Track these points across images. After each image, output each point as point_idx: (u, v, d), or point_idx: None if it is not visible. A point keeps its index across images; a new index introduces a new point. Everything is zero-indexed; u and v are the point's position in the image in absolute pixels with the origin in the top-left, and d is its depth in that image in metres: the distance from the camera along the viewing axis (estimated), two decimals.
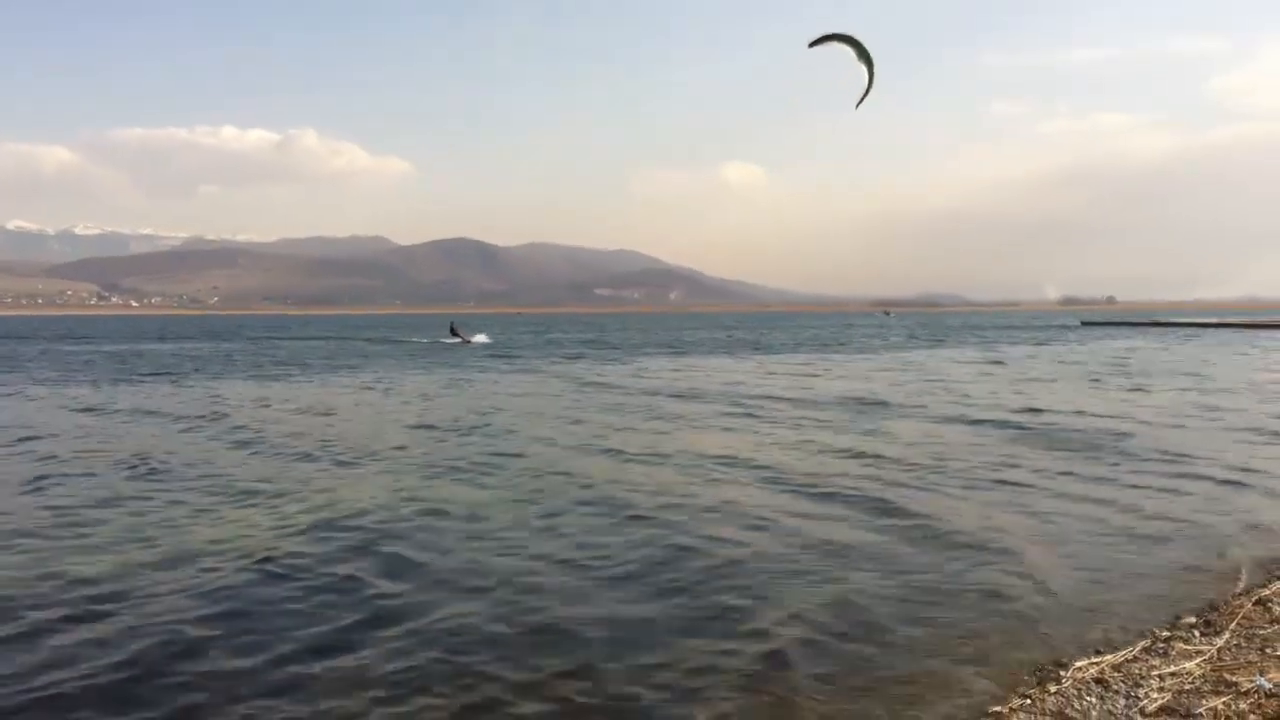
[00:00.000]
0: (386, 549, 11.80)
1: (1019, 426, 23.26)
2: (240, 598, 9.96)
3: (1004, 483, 16.15)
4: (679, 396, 31.82)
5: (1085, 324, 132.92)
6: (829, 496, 14.98)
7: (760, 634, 8.86)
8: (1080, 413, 26.02)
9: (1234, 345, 67.73)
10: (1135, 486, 15.79)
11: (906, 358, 56.81)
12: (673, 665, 8.16)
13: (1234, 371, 42.28)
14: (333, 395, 33.01)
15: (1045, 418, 24.99)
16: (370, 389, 35.58)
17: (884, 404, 28.84)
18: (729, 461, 18.35)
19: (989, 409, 27.08)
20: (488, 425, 24.22)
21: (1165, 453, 19.27)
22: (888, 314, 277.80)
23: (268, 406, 29.26)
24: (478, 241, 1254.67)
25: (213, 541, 12.14)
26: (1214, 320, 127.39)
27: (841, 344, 77.58)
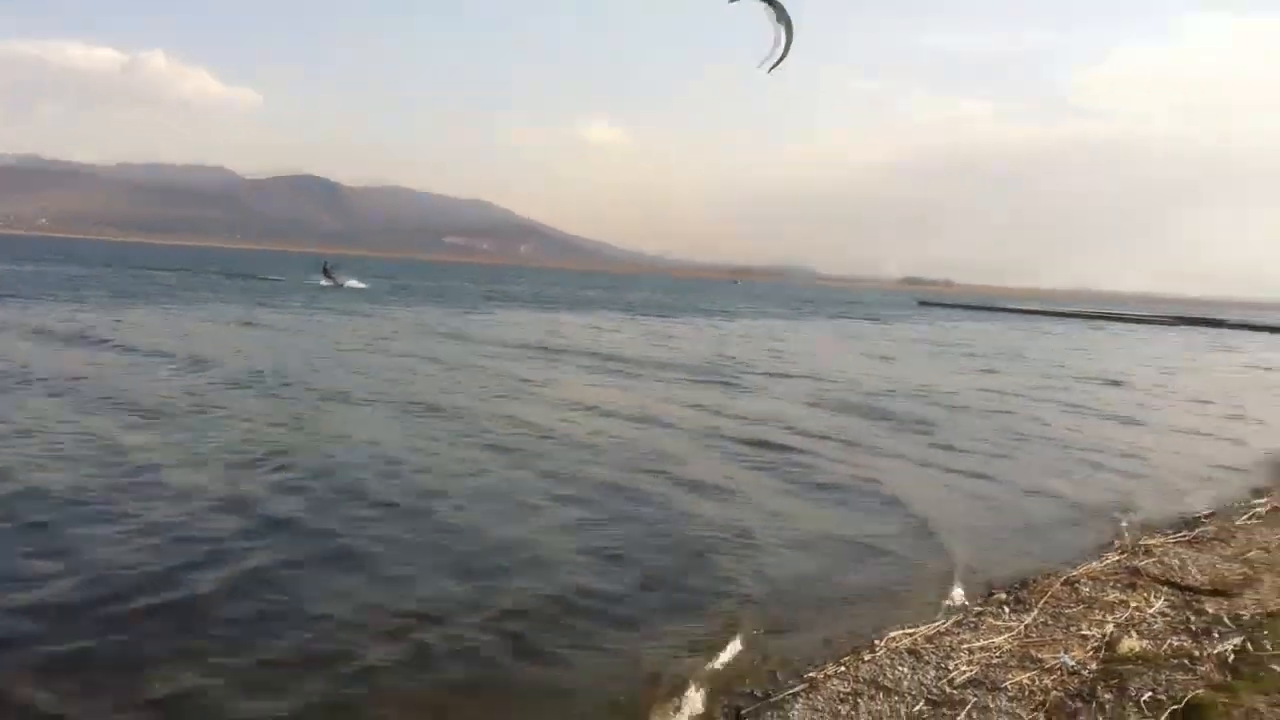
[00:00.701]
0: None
1: (856, 406, 23.73)
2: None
3: (851, 443, 16.49)
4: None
5: (922, 304, 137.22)
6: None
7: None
8: (924, 388, 26.78)
9: (1058, 332, 71.01)
10: (963, 464, 16.30)
11: (759, 325, 57.75)
12: None
13: (1049, 355, 44.30)
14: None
15: (886, 395, 25.60)
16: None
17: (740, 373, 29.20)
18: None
19: (830, 384, 27.63)
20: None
21: (999, 430, 20.07)
22: (735, 282, 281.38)
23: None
24: (325, 179, 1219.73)
25: None
26: (1039, 308, 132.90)
27: (701, 309, 78.60)
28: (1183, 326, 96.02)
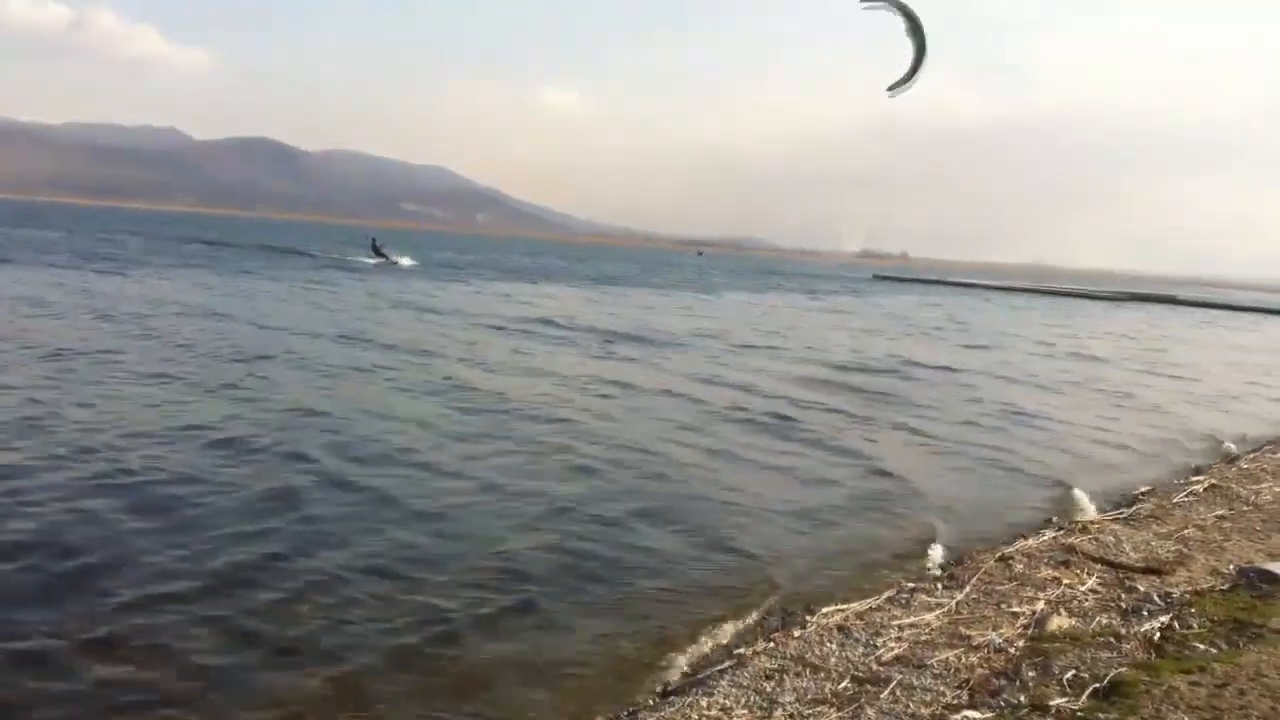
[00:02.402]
0: None
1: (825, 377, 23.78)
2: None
3: (785, 418, 16.50)
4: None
5: (877, 278, 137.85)
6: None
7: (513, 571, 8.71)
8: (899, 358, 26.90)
9: (1013, 307, 71.64)
10: (918, 432, 16.40)
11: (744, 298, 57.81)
12: None
13: (1008, 329, 44.71)
14: None
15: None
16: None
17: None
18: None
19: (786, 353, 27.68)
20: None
21: (950, 402, 20.29)
22: (700, 254, 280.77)
23: None
24: (279, 143, 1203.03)
25: None
26: (994, 283, 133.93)
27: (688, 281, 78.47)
28: (1135, 303, 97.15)
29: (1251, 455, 16.46)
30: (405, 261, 68.84)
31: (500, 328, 29.69)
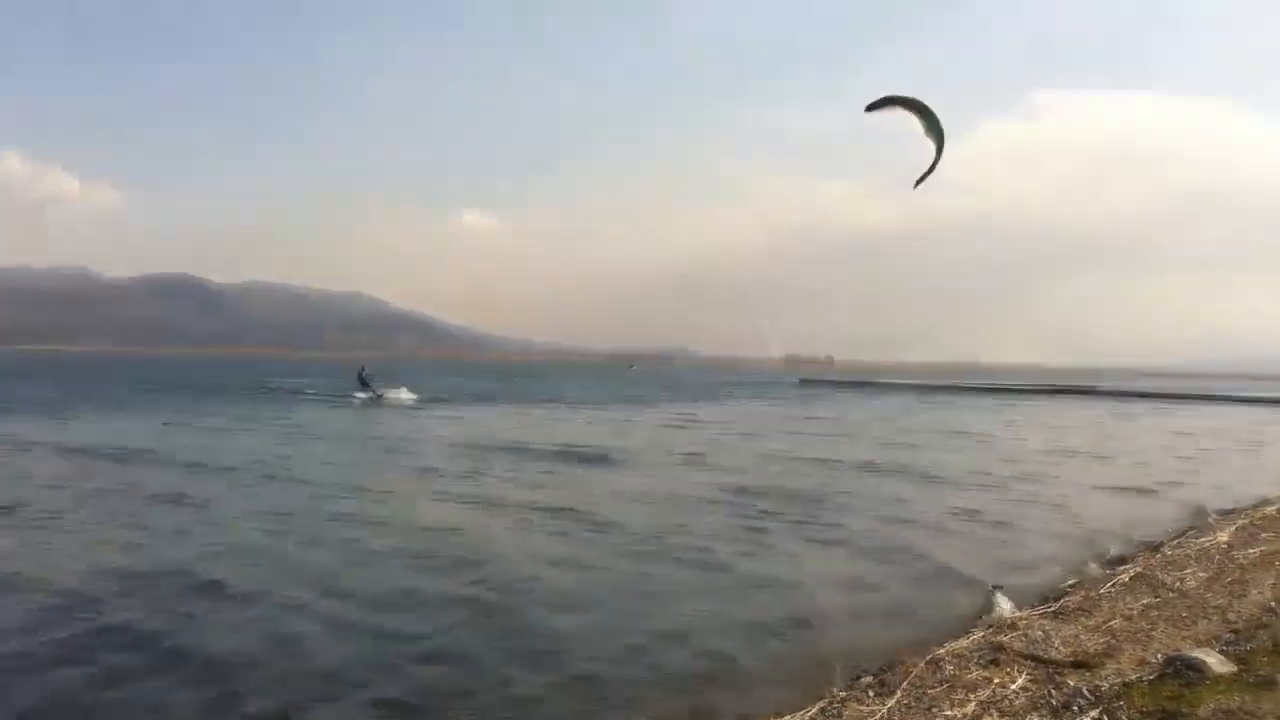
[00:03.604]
0: None
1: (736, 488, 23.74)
2: None
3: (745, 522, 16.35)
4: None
5: (802, 382, 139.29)
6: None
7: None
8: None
9: (927, 406, 72.61)
10: (843, 535, 16.34)
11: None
12: None
13: (919, 426, 45.21)
14: None
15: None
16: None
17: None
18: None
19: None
20: None
21: (878, 502, 20.34)
22: (632, 367, 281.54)
23: None
24: (194, 278, 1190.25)
25: None
26: (919, 382, 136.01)
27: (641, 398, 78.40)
28: (1058, 396, 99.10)
29: (1175, 542, 16.61)
30: (402, 395, 60.79)
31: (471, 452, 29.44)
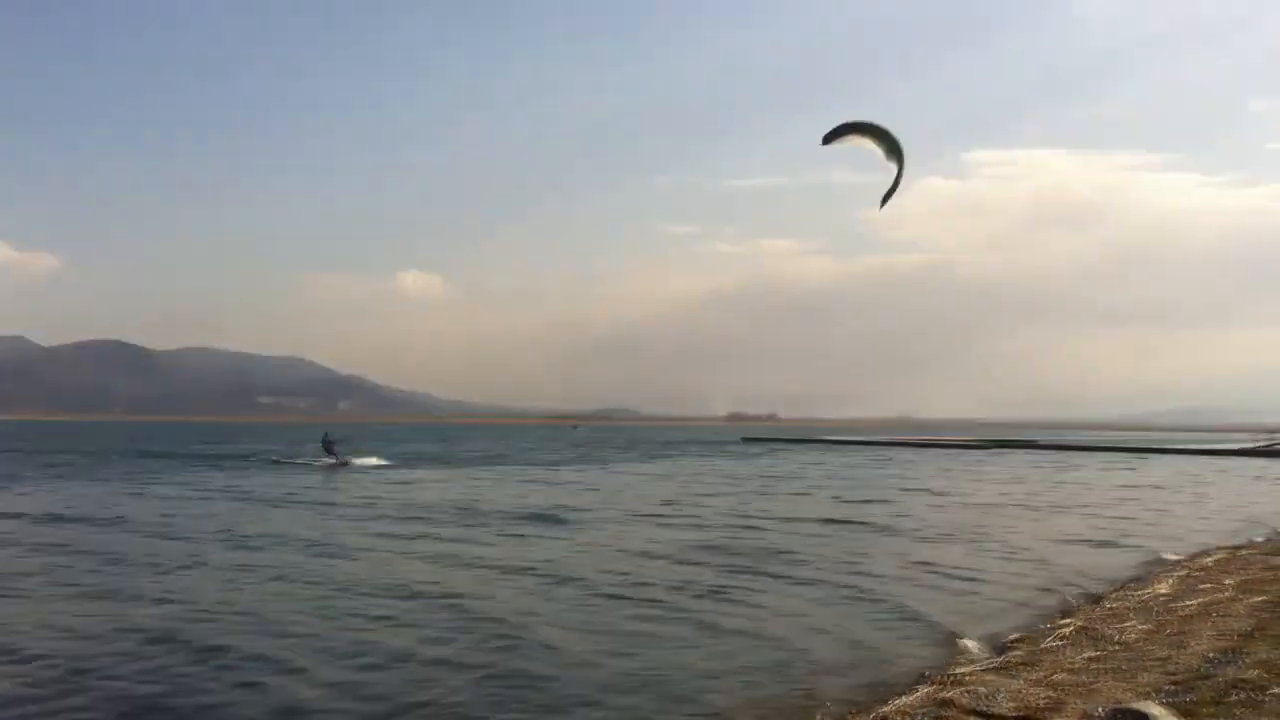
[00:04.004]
0: None
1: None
2: None
3: (673, 587, 16.25)
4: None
5: (746, 440, 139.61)
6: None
7: None
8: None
9: (870, 460, 73.09)
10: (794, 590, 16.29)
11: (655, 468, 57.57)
12: None
13: (871, 480, 45.44)
14: None
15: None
16: None
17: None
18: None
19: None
20: None
21: (831, 555, 20.36)
22: (575, 428, 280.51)
23: None
24: (129, 343, 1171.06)
25: None
26: (863, 439, 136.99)
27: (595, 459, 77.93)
28: (1000, 449, 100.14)
29: (1116, 594, 16.78)
30: (370, 460, 59.24)
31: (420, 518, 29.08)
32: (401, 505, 32.98)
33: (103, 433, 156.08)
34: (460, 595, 16.35)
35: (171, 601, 15.64)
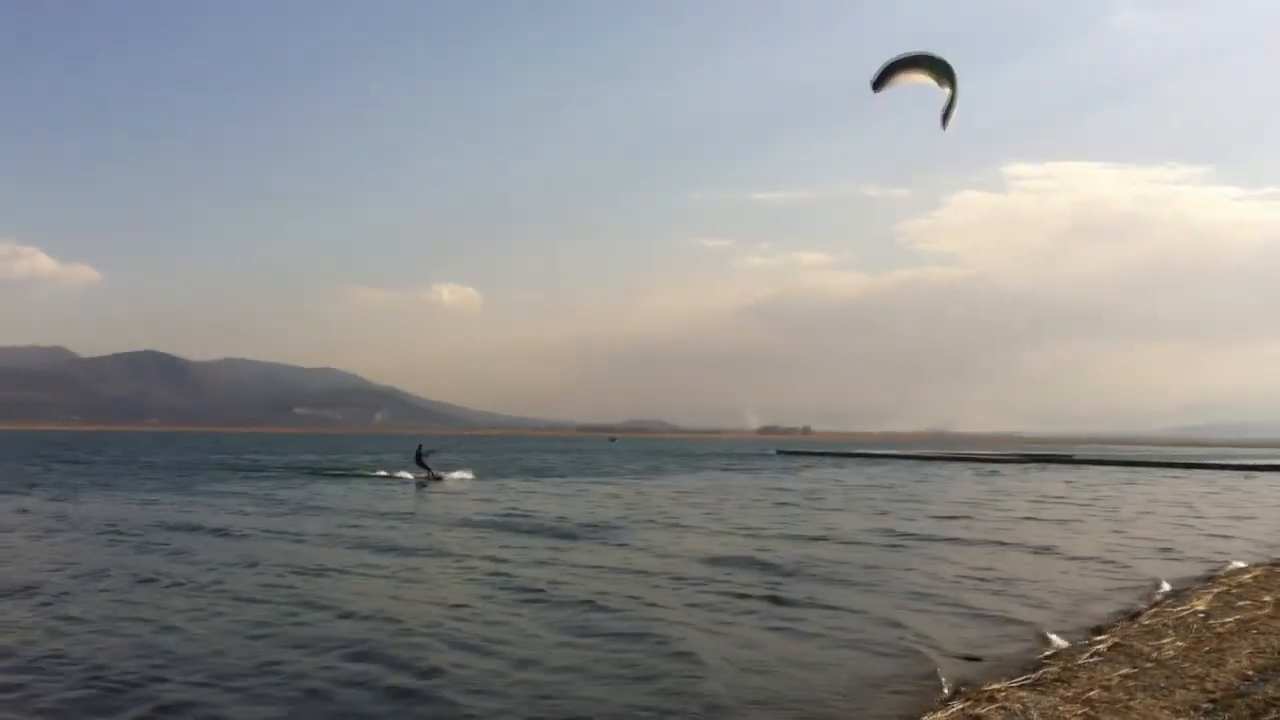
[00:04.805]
0: None
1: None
2: None
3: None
4: None
5: (781, 453, 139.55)
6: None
7: None
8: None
9: (904, 472, 72.63)
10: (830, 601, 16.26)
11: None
12: None
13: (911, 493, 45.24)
14: None
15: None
16: None
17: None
18: None
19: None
20: None
21: (857, 567, 20.67)
22: (612, 440, 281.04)
23: None
24: (167, 354, 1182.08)
25: None
26: (898, 452, 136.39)
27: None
28: (1036, 464, 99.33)
29: (1152, 610, 16.60)
30: (463, 475, 56.02)
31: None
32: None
33: (163, 444, 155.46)
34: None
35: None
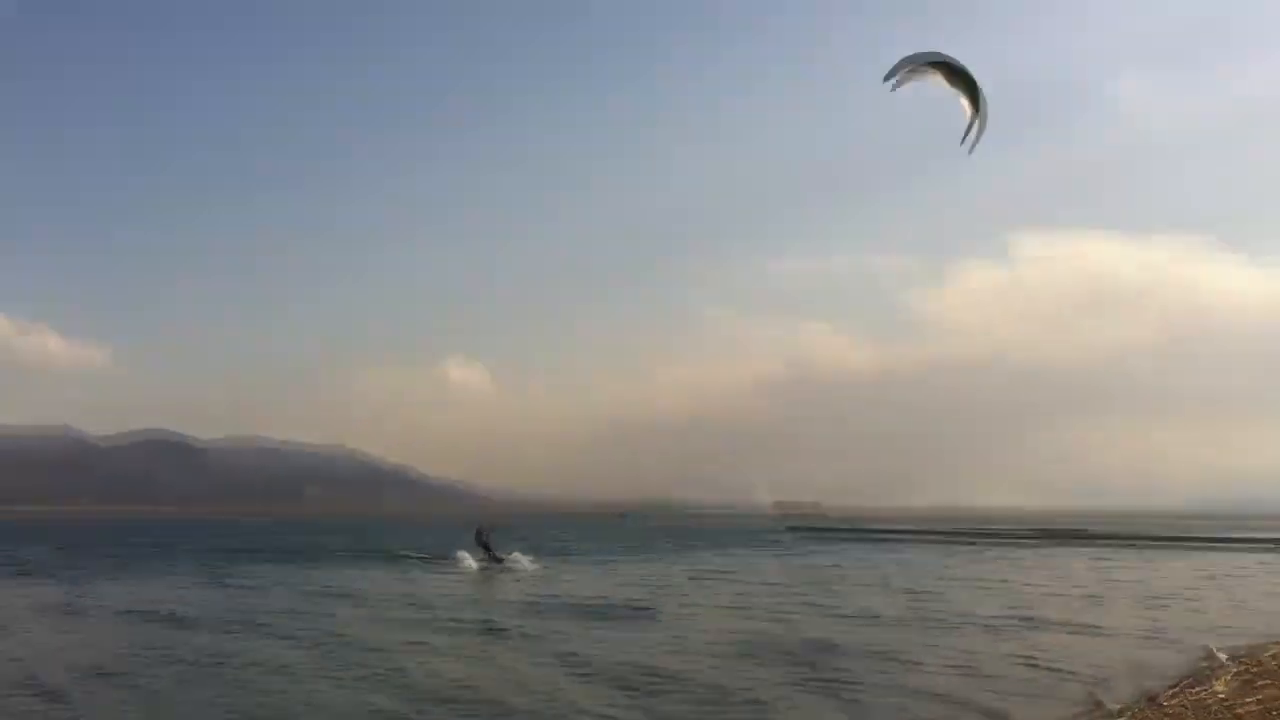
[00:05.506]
0: None
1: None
2: None
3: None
4: None
5: (791, 529, 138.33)
6: None
7: None
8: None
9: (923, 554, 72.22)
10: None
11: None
12: None
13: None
14: None
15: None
16: None
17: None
18: None
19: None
20: None
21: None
22: (623, 517, 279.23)
23: None
24: (177, 434, 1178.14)
25: None
26: (910, 529, 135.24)
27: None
28: (1052, 541, 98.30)
29: (1171, 692, 16.66)
30: (524, 562, 51.38)
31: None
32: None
33: (192, 531, 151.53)
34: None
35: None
